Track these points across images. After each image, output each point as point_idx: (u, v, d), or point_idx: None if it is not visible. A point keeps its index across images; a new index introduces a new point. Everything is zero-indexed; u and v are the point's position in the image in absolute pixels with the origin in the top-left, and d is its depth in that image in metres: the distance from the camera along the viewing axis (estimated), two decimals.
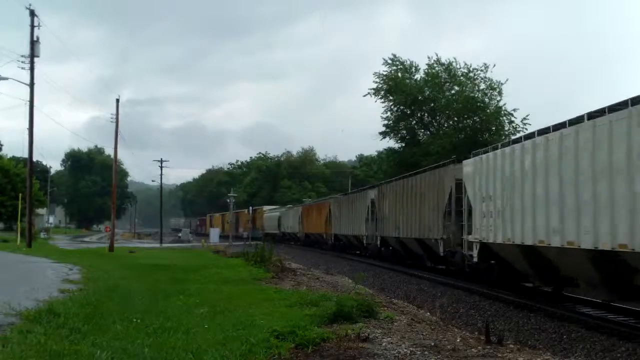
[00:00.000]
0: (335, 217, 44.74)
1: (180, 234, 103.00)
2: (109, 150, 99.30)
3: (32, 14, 35.47)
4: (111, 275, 17.67)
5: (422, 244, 25.28)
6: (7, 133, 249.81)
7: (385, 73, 51.95)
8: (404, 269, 26.47)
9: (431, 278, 22.76)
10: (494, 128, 47.82)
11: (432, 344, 7.79)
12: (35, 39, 35.47)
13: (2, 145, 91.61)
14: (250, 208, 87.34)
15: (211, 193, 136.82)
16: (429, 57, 52.41)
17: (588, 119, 12.91)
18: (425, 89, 51.24)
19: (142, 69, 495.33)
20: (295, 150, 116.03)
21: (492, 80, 48.78)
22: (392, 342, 7.74)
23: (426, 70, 51.57)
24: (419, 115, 53.23)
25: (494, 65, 50.77)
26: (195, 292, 13.25)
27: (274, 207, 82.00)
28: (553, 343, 11.62)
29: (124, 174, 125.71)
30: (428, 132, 53.04)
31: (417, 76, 52.23)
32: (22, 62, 35.48)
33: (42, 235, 62.41)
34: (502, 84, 48.55)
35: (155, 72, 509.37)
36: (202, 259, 28.28)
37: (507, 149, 16.73)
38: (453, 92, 50.65)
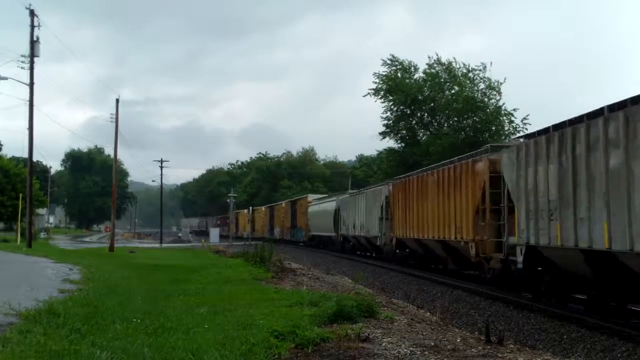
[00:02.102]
0: (526, 195, 15.18)
1: (180, 234, 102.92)
2: (109, 151, 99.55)
3: (32, 13, 35.47)
4: (111, 275, 17.67)
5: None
6: (7, 133, 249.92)
7: (384, 73, 52.02)
8: None
9: (431, 278, 22.81)
10: (493, 128, 47.86)
11: (432, 344, 7.79)
12: (35, 38, 35.48)
13: (2, 145, 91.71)
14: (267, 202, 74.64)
15: (211, 193, 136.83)
16: (429, 57, 52.51)
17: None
18: (425, 88, 51.27)
19: (142, 68, 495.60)
20: (295, 150, 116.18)
21: (490, 80, 48.85)
22: (392, 342, 7.73)
23: (425, 70, 51.64)
24: (418, 115, 53.27)
25: (491, 64, 50.90)
26: (195, 292, 13.25)
27: (323, 195, 58.71)
28: (553, 343, 11.61)
29: (124, 174, 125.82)
30: (428, 132, 53.07)
31: (417, 76, 52.29)
32: (22, 62, 35.53)
33: (42, 235, 62.44)
34: (501, 83, 48.61)
35: (154, 72, 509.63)
36: (202, 259, 28.28)
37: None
38: (453, 92, 50.67)
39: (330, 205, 46.62)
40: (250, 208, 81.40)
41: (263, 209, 79.01)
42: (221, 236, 71.99)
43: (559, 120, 13.92)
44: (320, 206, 50.77)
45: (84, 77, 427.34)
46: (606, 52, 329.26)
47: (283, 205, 67.10)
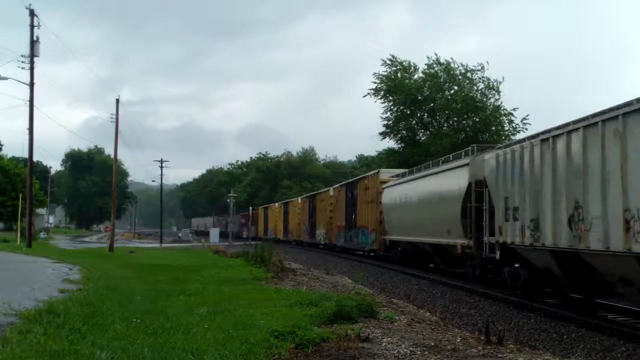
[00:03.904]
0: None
1: (180, 234, 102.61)
2: (108, 151, 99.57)
3: (32, 13, 35.50)
4: (111, 275, 17.67)
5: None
6: (7, 133, 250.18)
7: (384, 73, 52.06)
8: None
9: (431, 278, 22.79)
10: (493, 128, 47.90)
11: (432, 344, 7.78)
12: (35, 38, 35.49)
13: (2, 145, 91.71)
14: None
15: (211, 193, 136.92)
16: (428, 57, 52.59)
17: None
18: (425, 89, 51.33)
19: (141, 69, 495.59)
20: (295, 150, 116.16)
21: (489, 79, 48.93)
22: (392, 342, 7.73)
23: (424, 71, 51.67)
24: (418, 115, 53.34)
25: (488, 63, 50.90)
26: (195, 292, 13.23)
27: (402, 170, 31.59)
28: (553, 343, 11.61)
29: (124, 174, 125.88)
30: (428, 132, 53.10)
31: (416, 76, 52.34)
32: (22, 62, 35.55)
33: (42, 235, 62.46)
34: (500, 83, 48.69)
35: (154, 72, 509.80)
36: (202, 259, 28.26)
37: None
38: (452, 92, 50.73)
39: (448, 180, 21.73)
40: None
41: (299, 200, 56.84)
42: (245, 238, 63.70)
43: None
44: (416, 185, 25.51)
45: (83, 77, 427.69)
46: (606, 52, 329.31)
47: (331, 193, 44.67)
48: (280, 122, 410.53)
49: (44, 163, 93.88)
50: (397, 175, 30.41)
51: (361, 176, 37.94)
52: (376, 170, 34.18)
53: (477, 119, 48.42)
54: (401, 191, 28.11)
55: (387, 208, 29.91)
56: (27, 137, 35.88)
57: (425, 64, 51.64)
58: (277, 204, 69.76)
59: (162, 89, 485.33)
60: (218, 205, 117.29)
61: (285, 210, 63.08)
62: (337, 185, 44.51)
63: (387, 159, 55.85)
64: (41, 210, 79.26)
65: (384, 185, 31.05)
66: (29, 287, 12.96)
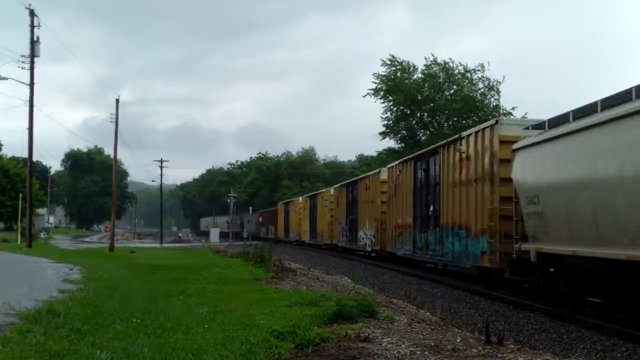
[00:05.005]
0: None
1: (180, 234, 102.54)
2: (108, 151, 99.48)
3: (32, 13, 35.50)
4: (111, 275, 17.66)
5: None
6: (7, 133, 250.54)
7: (384, 74, 52.14)
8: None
9: (431, 278, 22.80)
10: None
11: (432, 344, 7.79)
12: (35, 38, 35.49)
13: (2, 145, 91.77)
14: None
15: (211, 193, 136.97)
16: (425, 58, 52.70)
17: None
18: (424, 89, 51.45)
19: (141, 69, 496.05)
20: (295, 150, 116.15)
21: (490, 79, 49.06)
22: (392, 342, 7.73)
23: (423, 71, 51.76)
24: (418, 115, 53.42)
25: (489, 63, 51.03)
26: (195, 292, 13.23)
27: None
28: (553, 343, 11.60)
29: (124, 174, 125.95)
30: (428, 132, 53.16)
31: (416, 76, 52.43)
32: (22, 62, 35.56)
33: (42, 235, 62.51)
34: (500, 83, 48.80)
35: (154, 73, 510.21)
36: (203, 259, 28.26)
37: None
38: (452, 92, 50.85)
39: None
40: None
41: (331, 192, 44.01)
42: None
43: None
44: None
45: (83, 77, 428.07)
46: (608, 50, 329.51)
47: (383, 176, 30.62)
48: (280, 122, 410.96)
49: (44, 163, 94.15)
50: (552, 123, 14.08)
51: (448, 140, 21.79)
52: (492, 121, 18.37)
53: (477, 119, 48.50)
54: (580, 150, 12.55)
55: (533, 189, 14.63)
56: (27, 137, 35.94)
57: (424, 65, 51.75)
58: (301, 198, 57.85)
59: (162, 88, 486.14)
60: (218, 205, 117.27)
61: (312, 205, 50.12)
62: (395, 163, 28.87)
63: (387, 159, 55.90)
64: (41, 210, 79.32)
65: (517, 145, 15.54)
66: (29, 287, 12.95)
